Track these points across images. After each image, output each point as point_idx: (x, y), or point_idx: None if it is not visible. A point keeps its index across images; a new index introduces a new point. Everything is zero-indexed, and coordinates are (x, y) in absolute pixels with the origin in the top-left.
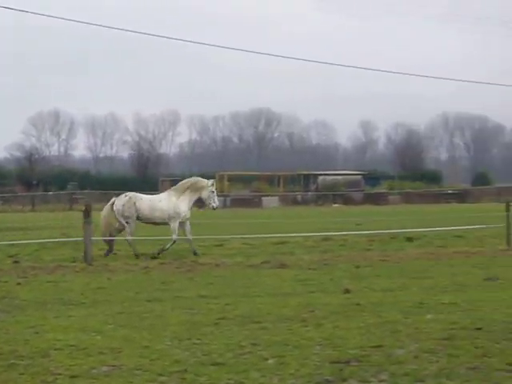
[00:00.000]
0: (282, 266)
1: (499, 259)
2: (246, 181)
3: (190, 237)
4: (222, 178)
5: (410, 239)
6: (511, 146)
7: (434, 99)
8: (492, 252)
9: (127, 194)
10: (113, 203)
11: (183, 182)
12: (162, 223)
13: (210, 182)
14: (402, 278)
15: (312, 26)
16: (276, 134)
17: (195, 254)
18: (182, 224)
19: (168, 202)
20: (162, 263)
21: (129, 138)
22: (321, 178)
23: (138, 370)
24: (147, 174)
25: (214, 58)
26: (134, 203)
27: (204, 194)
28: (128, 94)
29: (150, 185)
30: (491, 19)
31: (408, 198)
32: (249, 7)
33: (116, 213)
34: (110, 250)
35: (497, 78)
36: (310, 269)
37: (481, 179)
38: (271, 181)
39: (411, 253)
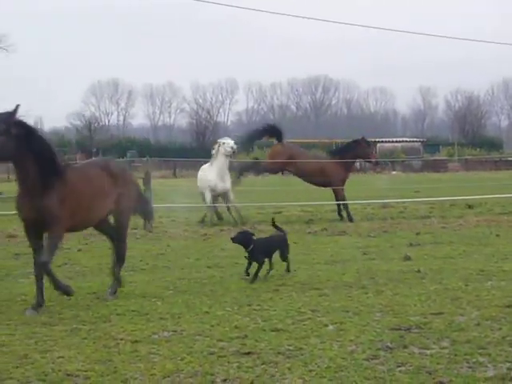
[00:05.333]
0: (342, 233)
1: None
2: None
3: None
4: None
5: (470, 206)
6: None
7: (495, 65)
8: None
9: None
10: None
11: None
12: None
13: None
14: (463, 245)
15: None
16: (334, 101)
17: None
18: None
19: None
20: (221, 230)
21: (187, 107)
22: (379, 145)
23: (198, 335)
24: (205, 141)
25: (271, 25)
26: None
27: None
28: (186, 62)
29: (208, 152)
30: None
31: (468, 166)
32: None
33: None
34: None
35: None
36: (369, 236)
37: None
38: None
39: (471, 220)
